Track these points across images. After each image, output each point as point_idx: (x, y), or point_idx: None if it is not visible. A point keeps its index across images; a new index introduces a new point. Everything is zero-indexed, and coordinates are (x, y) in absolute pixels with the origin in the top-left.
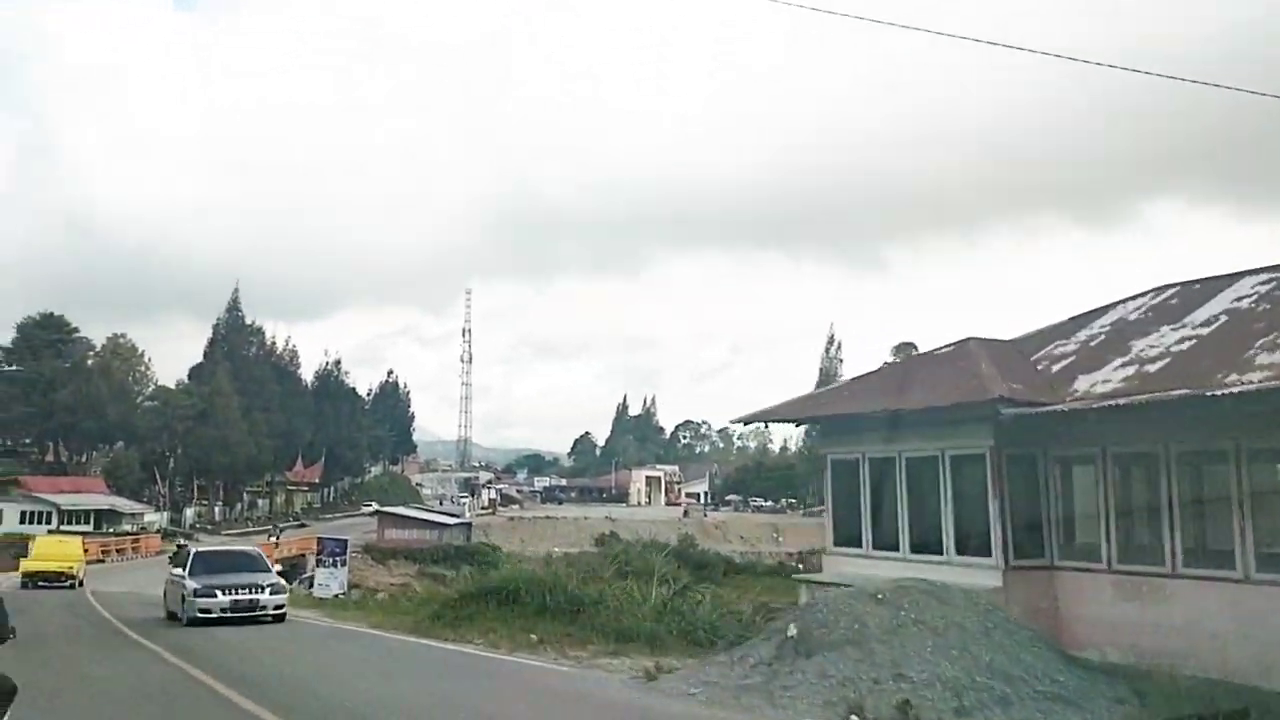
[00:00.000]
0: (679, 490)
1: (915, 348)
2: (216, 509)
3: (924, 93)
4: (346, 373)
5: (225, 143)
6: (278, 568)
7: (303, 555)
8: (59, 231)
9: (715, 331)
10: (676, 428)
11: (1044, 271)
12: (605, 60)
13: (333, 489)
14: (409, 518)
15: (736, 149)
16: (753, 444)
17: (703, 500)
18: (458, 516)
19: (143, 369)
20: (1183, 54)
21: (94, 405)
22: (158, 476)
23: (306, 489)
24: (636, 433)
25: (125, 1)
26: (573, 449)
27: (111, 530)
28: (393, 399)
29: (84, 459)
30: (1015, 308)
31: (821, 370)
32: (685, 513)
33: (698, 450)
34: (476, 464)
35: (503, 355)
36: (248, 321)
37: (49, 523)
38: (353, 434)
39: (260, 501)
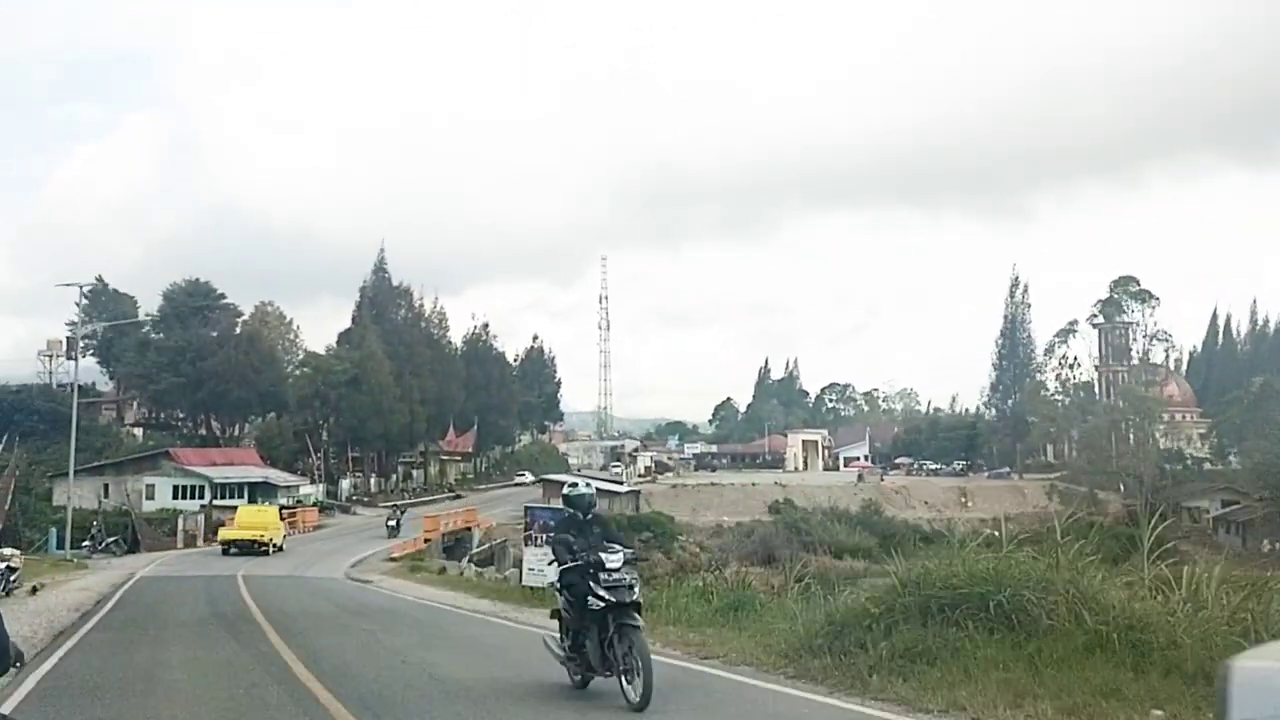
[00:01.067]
0: (834, 454)
1: (1137, 281)
2: (372, 480)
3: (1068, 30)
4: (494, 337)
5: (365, 128)
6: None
7: (468, 529)
8: (207, 219)
9: (851, 293)
10: (822, 390)
11: (1204, 216)
12: (733, 17)
13: (484, 459)
14: None
15: (869, 103)
16: (899, 406)
17: (866, 463)
18: (620, 484)
19: (291, 337)
20: None
21: (243, 374)
22: (311, 447)
23: (459, 459)
24: (781, 396)
25: None
26: (714, 415)
27: (266, 503)
28: (539, 365)
29: (235, 431)
30: (1173, 254)
31: (1006, 317)
32: (860, 477)
33: (844, 413)
34: (616, 433)
35: (633, 325)
36: (395, 283)
37: (201, 497)
38: (504, 401)
39: (415, 473)
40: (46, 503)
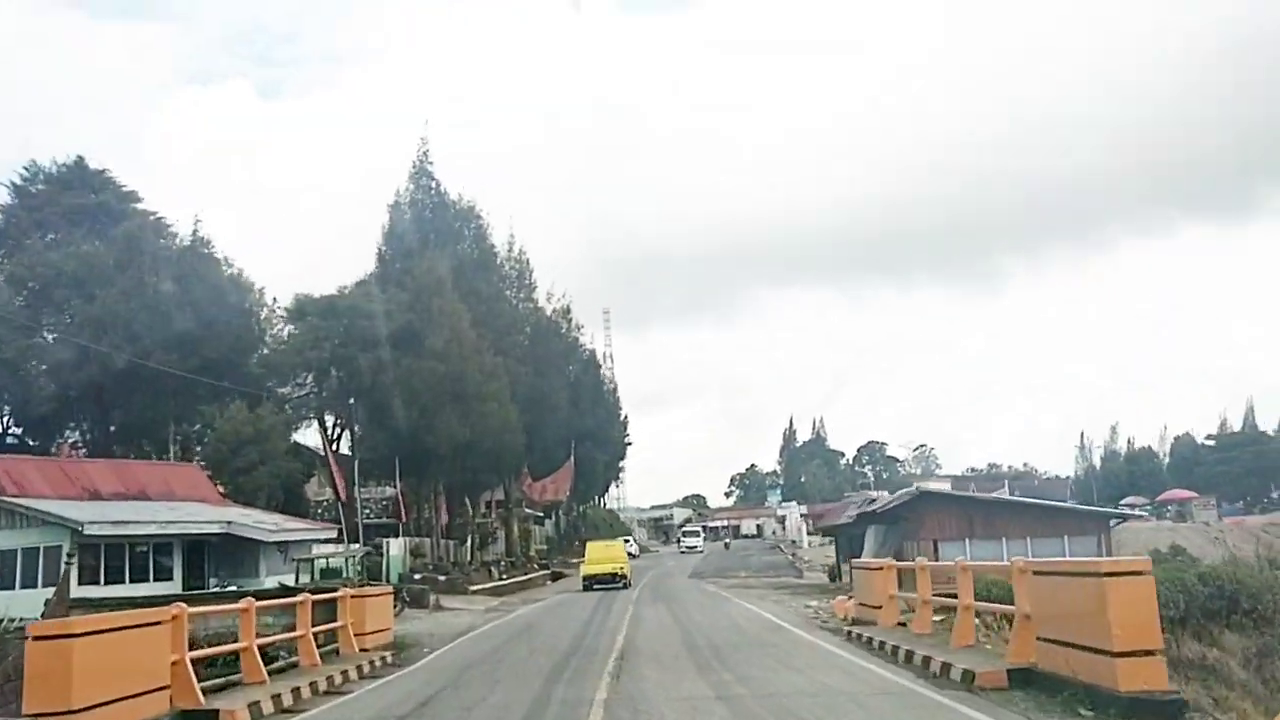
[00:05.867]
0: None
1: None
2: (446, 545)
3: (1043, 90)
4: (580, 328)
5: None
6: None
7: None
8: None
9: (831, 364)
10: (859, 450)
11: (1180, 275)
12: (693, 81)
13: (570, 515)
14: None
15: (828, 178)
16: (918, 470)
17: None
18: None
19: (258, 300)
20: None
21: (166, 316)
22: (332, 463)
23: (541, 513)
24: (817, 459)
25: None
26: (734, 484)
27: (234, 586)
28: (599, 394)
29: (170, 448)
30: (1153, 315)
31: None
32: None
33: (884, 475)
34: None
35: None
36: (452, 198)
37: (51, 580)
38: (602, 423)
39: (499, 531)
40: None
